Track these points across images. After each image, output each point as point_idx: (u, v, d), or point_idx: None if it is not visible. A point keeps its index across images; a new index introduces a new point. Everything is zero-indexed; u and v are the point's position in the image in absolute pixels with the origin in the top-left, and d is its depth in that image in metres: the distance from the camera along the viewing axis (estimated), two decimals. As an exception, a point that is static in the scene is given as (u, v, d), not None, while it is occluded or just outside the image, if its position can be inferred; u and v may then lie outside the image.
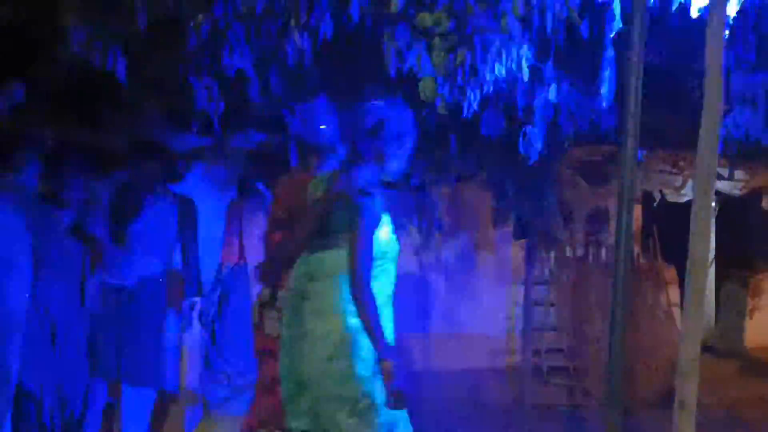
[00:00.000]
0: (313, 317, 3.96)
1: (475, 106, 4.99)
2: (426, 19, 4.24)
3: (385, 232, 3.98)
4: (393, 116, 4.09)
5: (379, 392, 3.84)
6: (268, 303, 4.70)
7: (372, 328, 3.83)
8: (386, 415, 3.88)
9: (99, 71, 4.48)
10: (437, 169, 7.19)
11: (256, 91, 4.87)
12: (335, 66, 5.14)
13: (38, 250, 5.54)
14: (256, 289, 5.09)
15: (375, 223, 3.92)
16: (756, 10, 4.79)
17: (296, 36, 4.32)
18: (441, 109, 4.86)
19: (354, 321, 3.86)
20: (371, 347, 3.84)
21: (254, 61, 4.60)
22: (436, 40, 4.35)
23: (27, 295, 5.52)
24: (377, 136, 4.01)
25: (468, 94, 4.85)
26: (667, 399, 3.14)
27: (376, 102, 4.18)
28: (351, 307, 3.87)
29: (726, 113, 5.25)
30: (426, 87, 4.57)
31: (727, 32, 3.18)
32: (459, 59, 4.48)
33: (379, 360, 3.81)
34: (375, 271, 3.93)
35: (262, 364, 4.91)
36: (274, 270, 4.61)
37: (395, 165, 4.11)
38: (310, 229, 4.10)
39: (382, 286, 3.96)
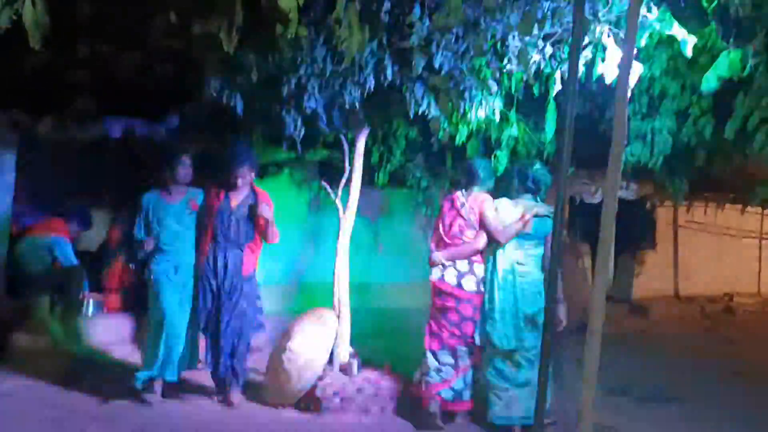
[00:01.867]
0: (525, 284, 4.65)
1: (464, 137, 4.97)
2: (435, 80, 4.23)
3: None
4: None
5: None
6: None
7: (559, 288, 4.29)
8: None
9: (225, 108, 4.50)
10: (439, 176, 7.18)
11: (324, 124, 4.87)
12: (375, 109, 5.14)
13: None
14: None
15: None
16: (647, 81, 4.75)
17: (351, 88, 4.32)
18: (443, 138, 4.85)
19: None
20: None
21: (323, 104, 4.59)
22: (441, 94, 4.33)
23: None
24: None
25: (460, 129, 4.83)
26: (581, 329, 3.12)
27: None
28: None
29: (625, 146, 5.21)
30: (433, 124, 4.56)
31: (629, 94, 3.14)
32: (455, 106, 4.46)
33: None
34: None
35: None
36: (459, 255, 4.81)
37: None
38: (512, 234, 4.66)
39: None
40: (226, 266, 4.93)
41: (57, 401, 4.73)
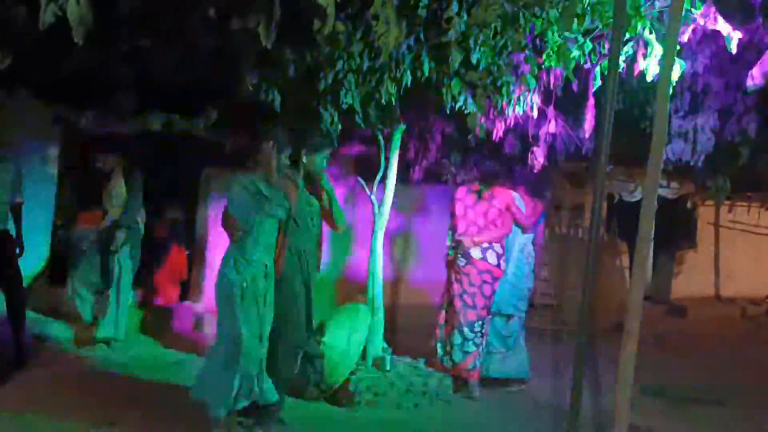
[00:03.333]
0: (531, 262, 5.82)
1: (501, 133, 4.93)
2: (472, 76, 4.20)
3: None
4: None
5: None
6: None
7: None
8: None
9: (263, 103, 4.53)
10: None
11: (360, 119, 4.88)
12: (412, 104, 5.13)
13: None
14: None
15: None
16: (689, 78, 4.65)
17: (387, 84, 4.31)
18: (480, 134, 4.82)
19: None
20: None
21: (360, 100, 4.59)
22: (478, 90, 4.30)
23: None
24: None
25: (497, 125, 4.80)
26: (617, 329, 3.08)
27: None
28: None
29: (666, 144, 5.11)
30: (471, 120, 4.53)
31: (670, 90, 3.08)
32: (492, 102, 4.43)
33: None
34: None
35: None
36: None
37: None
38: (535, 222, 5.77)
39: None
40: (309, 271, 4.27)
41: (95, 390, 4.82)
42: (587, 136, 5.01)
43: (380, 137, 5.43)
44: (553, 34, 3.96)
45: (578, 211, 9.07)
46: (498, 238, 5.42)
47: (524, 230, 5.64)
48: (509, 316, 5.62)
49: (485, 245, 5.36)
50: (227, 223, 4.13)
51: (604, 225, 9.40)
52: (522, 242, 5.72)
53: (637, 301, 2.97)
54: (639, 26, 3.72)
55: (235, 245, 4.03)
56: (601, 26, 3.93)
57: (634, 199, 8.73)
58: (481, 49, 3.93)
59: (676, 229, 10.82)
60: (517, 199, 5.59)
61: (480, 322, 5.35)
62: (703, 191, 8.92)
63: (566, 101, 5.12)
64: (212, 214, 6.99)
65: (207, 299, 6.69)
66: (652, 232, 2.98)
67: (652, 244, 10.11)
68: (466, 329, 5.32)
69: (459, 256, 5.38)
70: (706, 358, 7.47)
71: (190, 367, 5.44)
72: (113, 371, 5.24)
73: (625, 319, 2.96)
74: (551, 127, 5.24)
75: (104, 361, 5.48)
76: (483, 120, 4.78)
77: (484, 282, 5.35)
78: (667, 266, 10.86)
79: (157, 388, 4.90)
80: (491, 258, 5.36)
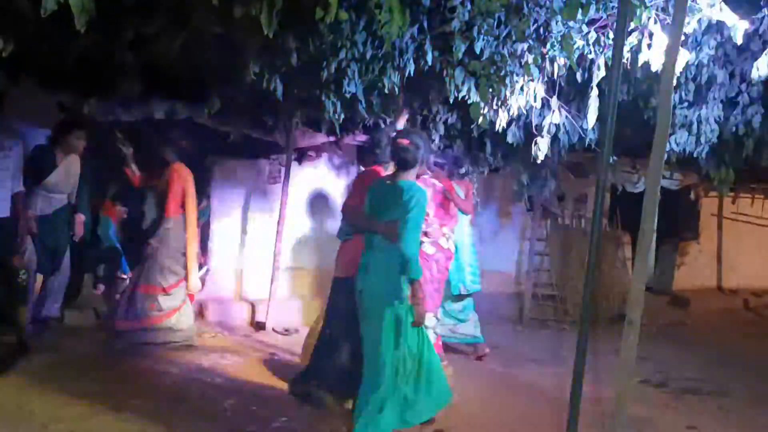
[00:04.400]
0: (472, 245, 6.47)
1: (504, 123, 4.92)
2: (476, 65, 4.18)
3: None
4: None
5: None
6: None
7: None
8: None
9: (265, 92, 4.52)
10: (477, 163, 7.14)
11: (363, 108, 4.86)
12: (414, 93, 5.10)
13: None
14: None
15: None
16: (694, 68, 4.63)
17: (391, 73, 4.30)
18: (482, 124, 4.80)
19: None
20: None
21: (363, 88, 4.58)
22: (482, 80, 4.29)
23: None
24: None
25: (500, 115, 4.78)
26: (619, 319, 3.08)
27: None
28: None
29: (670, 135, 5.09)
30: (473, 110, 4.51)
31: (674, 81, 3.06)
32: (495, 92, 4.41)
33: None
34: None
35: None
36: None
37: None
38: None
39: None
40: None
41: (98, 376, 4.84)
42: (591, 126, 4.99)
43: (384, 126, 5.42)
44: (557, 23, 3.94)
45: (581, 202, 9.08)
46: (453, 227, 5.83)
47: (465, 214, 6.06)
48: (465, 296, 6.23)
49: (447, 234, 5.73)
50: (389, 231, 3.69)
51: (607, 216, 9.40)
52: (469, 226, 6.30)
53: (639, 292, 2.97)
54: (643, 16, 3.70)
55: (394, 258, 3.62)
56: (605, 16, 3.91)
57: (637, 190, 8.71)
58: (485, 38, 3.91)
59: (679, 221, 10.80)
60: (456, 188, 6.03)
61: (442, 304, 5.82)
62: (706, 182, 8.89)
63: (570, 92, 5.10)
64: (215, 203, 7.00)
65: (207, 287, 6.72)
66: (655, 223, 2.97)
67: (654, 235, 10.06)
68: (439, 311, 5.66)
69: (428, 244, 5.65)
70: (708, 349, 7.49)
71: (190, 355, 5.46)
72: (115, 359, 5.26)
73: (627, 310, 2.97)
74: (555, 117, 5.22)
75: (105, 348, 5.50)
76: (486, 110, 4.76)
77: (446, 268, 5.75)
78: (669, 257, 10.86)
79: (157, 376, 4.92)
80: (451, 245, 5.76)
